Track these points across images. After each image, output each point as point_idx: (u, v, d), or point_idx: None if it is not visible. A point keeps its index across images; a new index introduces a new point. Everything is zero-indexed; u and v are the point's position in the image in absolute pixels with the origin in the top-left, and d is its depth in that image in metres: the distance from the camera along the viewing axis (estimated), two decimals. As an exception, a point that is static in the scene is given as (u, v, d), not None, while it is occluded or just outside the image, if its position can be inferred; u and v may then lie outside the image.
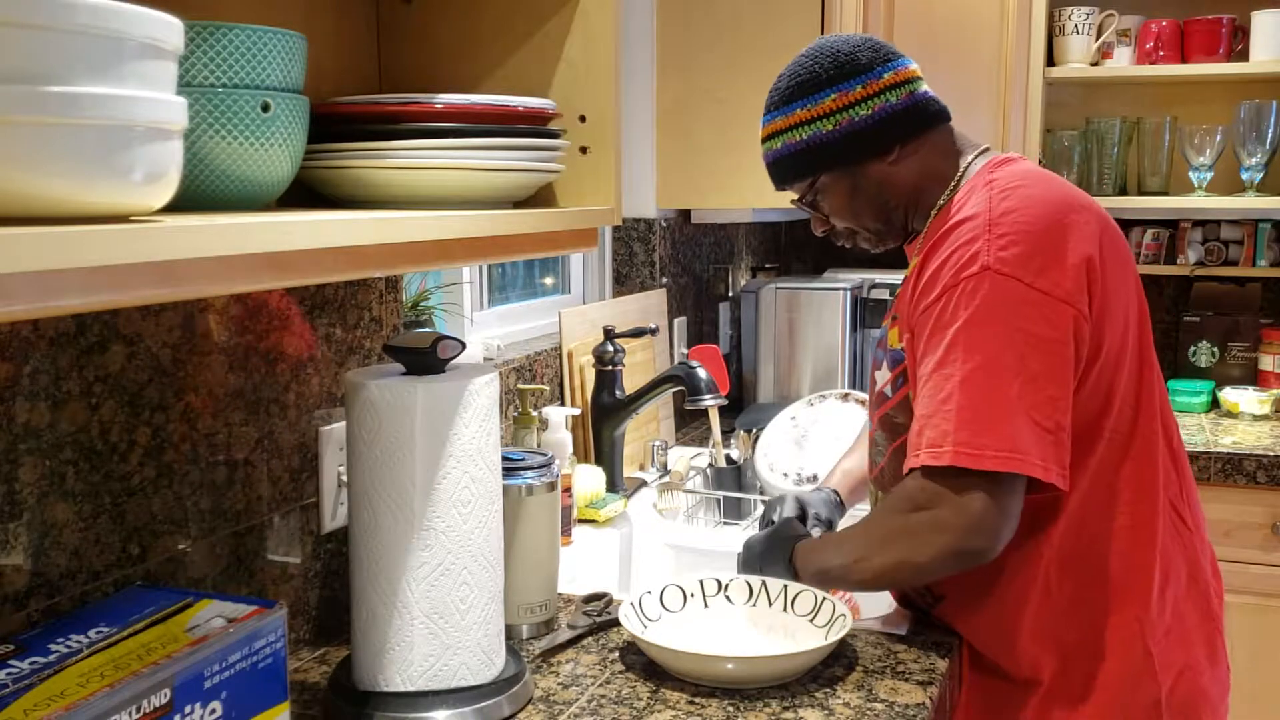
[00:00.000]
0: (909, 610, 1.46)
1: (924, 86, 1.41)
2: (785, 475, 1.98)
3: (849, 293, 2.60)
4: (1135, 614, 1.32)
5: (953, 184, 1.39)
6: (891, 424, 1.39)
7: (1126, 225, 2.96)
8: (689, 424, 2.65)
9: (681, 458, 2.17)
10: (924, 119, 1.39)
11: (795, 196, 1.47)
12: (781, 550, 1.42)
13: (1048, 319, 1.23)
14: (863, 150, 1.38)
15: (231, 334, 1.22)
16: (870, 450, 1.47)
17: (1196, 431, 2.57)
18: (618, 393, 1.98)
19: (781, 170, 1.45)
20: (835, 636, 1.25)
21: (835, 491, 1.62)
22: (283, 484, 1.31)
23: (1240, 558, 2.40)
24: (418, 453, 1.11)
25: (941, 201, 1.39)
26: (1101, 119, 3.00)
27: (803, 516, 1.55)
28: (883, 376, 1.41)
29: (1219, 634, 1.42)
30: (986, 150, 1.42)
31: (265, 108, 0.95)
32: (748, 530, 1.97)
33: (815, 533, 1.51)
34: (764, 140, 1.45)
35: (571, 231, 1.26)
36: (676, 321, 2.59)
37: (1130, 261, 1.37)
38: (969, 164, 1.40)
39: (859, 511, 1.58)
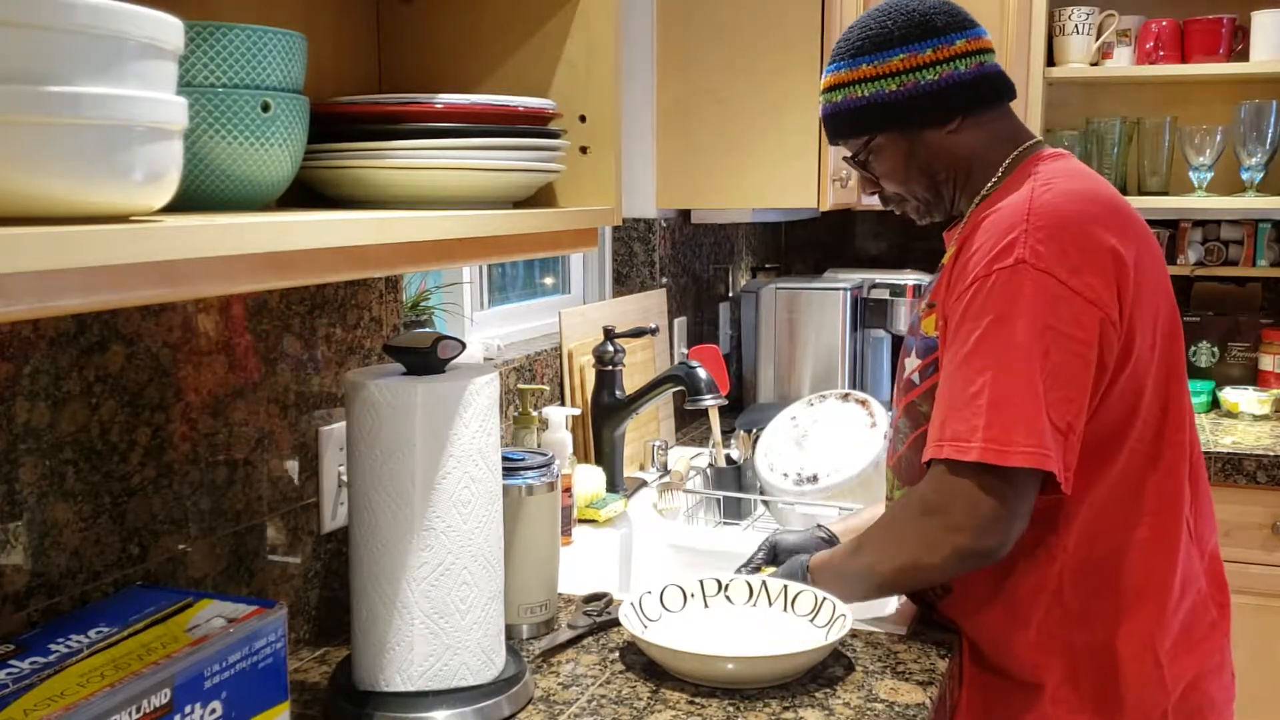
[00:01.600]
0: (915, 603, 1.45)
1: (993, 60, 1.39)
2: (785, 475, 1.98)
3: (849, 293, 2.60)
4: (1148, 625, 1.31)
5: (1001, 171, 1.37)
6: (916, 412, 1.38)
7: (1126, 225, 2.96)
8: (689, 424, 2.65)
9: (681, 458, 2.17)
10: (989, 93, 1.37)
11: (848, 154, 1.45)
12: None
13: (1077, 319, 1.21)
14: (924, 115, 1.36)
15: (231, 334, 1.22)
16: (892, 436, 1.47)
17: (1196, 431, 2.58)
18: (618, 393, 1.98)
19: (838, 124, 1.42)
20: (835, 636, 1.25)
21: (828, 533, 1.56)
22: (283, 484, 1.31)
23: (1240, 558, 2.40)
24: (418, 453, 1.11)
25: (986, 191, 1.37)
26: (1101, 119, 3.00)
27: (773, 559, 1.53)
28: (911, 363, 1.39)
29: (1225, 642, 1.42)
30: (1039, 143, 1.40)
31: (265, 108, 0.95)
32: (748, 530, 1.97)
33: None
34: (824, 91, 1.42)
35: (571, 231, 1.26)
36: (676, 321, 2.59)
37: (1163, 268, 1.35)
38: (1019, 153, 1.37)
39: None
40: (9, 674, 0.82)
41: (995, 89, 1.38)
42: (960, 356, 1.24)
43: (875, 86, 1.36)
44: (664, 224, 2.51)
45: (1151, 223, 3.00)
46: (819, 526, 1.59)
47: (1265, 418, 2.73)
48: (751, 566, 1.52)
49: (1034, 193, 1.27)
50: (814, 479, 1.94)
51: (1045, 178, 1.30)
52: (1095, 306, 1.22)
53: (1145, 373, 1.29)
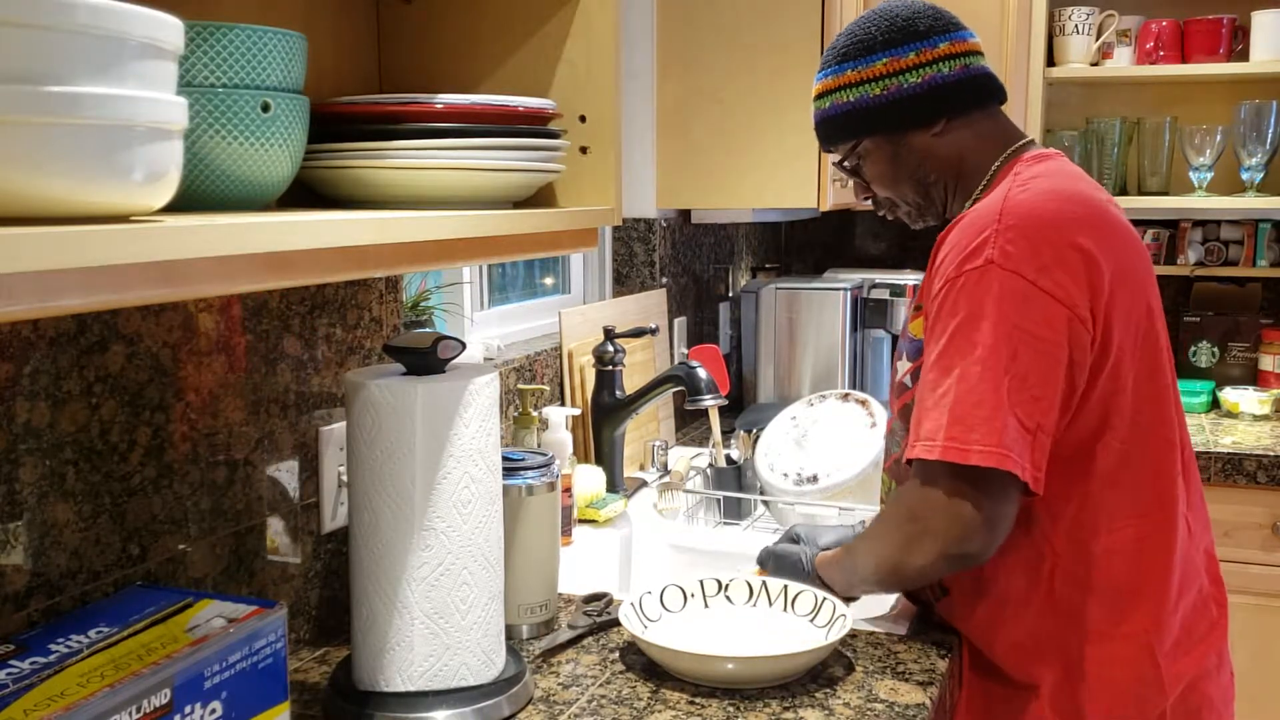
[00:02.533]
0: (914, 603, 1.45)
1: (981, 62, 1.39)
2: (785, 475, 1.98)
3: (849, 293, 2.60)
4: (1145, 625, 1.31)
5: (990, 174, 1.37)
6: (910, 414, 1.38)
7: (1126, 225, 2.96)
8: (689, 424, 2.65)
9: (681, 458, 2.17)
10: (975, 95, 1.38)
11: (838, 159, 1.47)
12: (798, 573, 1.42)
13: (1046, 319, 1.22)
14: (907, 119, 1.37)
15: (232, 334, 1.22)
16: (887, 440, 1.47)
17: (1196, 431, 2.57)
18: (618, 393, 1.98)
19: (826, 130, 1.44)
20: (835, 636, 1.25)
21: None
22: (283, 484, 1.31)
23: (1240, 558, 2.40)
24: (418, 453, 1.11)
25: (976, 194, 1.37)
26: (1101, 119, 3.00)
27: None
28: (903, 367, 1.40)
29: (1224, 641, 1.42)
30: (1029, 143, 1.40)
31: (265, 108, 0.95)
32: (747, 530, 1.97)
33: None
34: (814, 99, 1.44)
35: (571, 231, 1.26)
36: (676, 321, 2.59)
37: (1148, 267, 1.36)
38: (1007, 155, 1.38)
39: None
40: (9, 674, 0.82)
41: (981, 91, 1.39)
42: (932, 357, 1.25)
43: (860, 91, 1.38)
44: (664, 224, 2.51)
45: (1151, 223, 3.00)
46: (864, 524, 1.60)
47: (1265, 418, 2.73)
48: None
49: (1009, 193, 1.28)
50: (814, 479, 1.94)
51: (1024, 178, 1.31)
52: (1064, 306, 1.22)
53: (1126, 372, 1.29)
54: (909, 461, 1.26)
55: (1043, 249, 1.23)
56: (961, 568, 1.27)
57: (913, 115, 1.37)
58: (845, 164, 1.45)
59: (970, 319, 1.22)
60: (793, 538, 1.52)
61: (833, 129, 1.43)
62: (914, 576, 1.30)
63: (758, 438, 2.10)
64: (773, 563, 1.48)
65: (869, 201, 1.50)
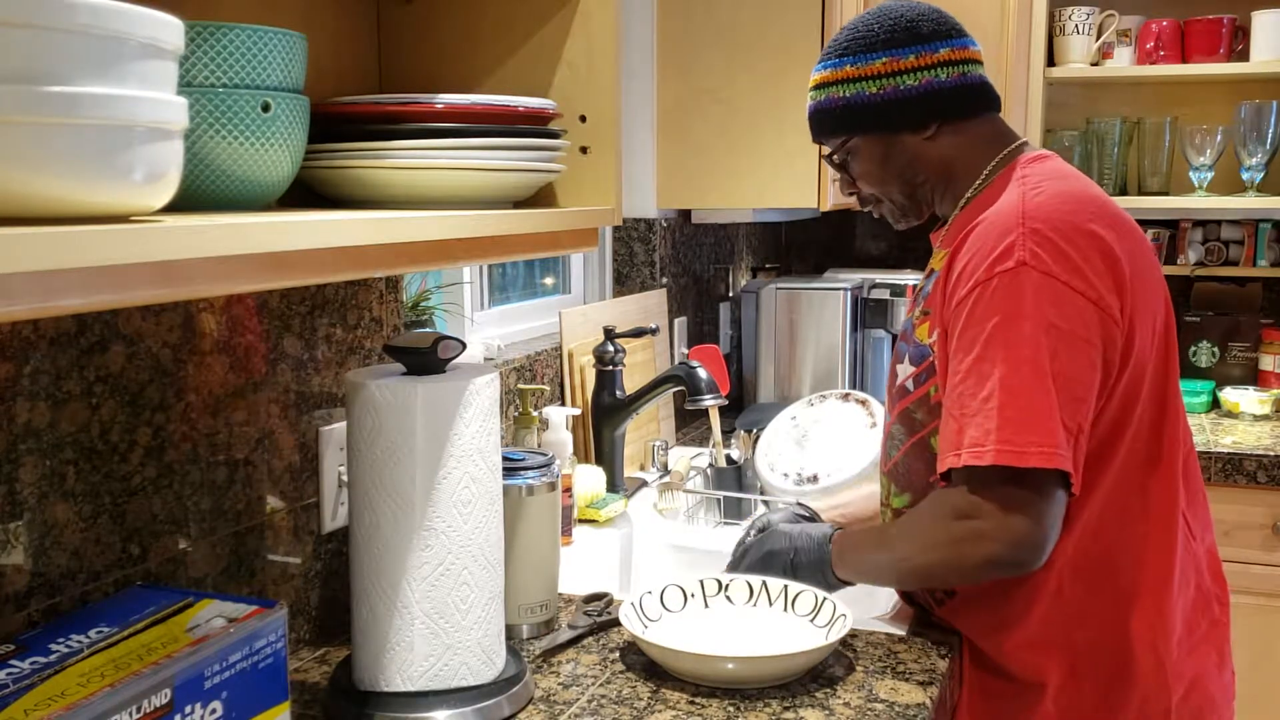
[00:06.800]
0: (913, 606, 1.45)
1: (979, 71, 1.39)
2: (785, 475, 1.98)
3: (849, 293, 2.60)
4: (1149, 622, 1.31)
5: (985, 175, 1.37)
6: (910, 419, 1.38)
7: (1127, 225, 2.97)
8: (689, 424, 2.65)
9: (682, 458, 2.17)
10: (969, 103, 1.38)
11: (827, 152, 1.48)
12: (818, 547, 1.40)
13: (1082, 318, 1.21)
14: (900, 120, 1.37)
15: (232, 334, 1.22)
16: (885, 442, 1.46)
17: (1197, 431, 2.57)
18: (618, 393, 1.98)
19: (819, 123, 1.45)
20: (835, 636, 1.25)
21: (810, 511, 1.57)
22: (283, 484, 1.31)
23: (1240, 558, 2.40)
24: (418, 453, 1.11)
25: (971, 194, 1.37)
26: (1102, 119, 3.00)
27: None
28: (904, 370, 1.39)
29: (1226, 640, 1.42)
30: (1024, 145, 1.40)
31: (265, 108, 0.95)
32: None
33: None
34: (810, 90, 1.45)
35: (572, 231, 1.26)
36: (676, 321, 2.59)
37: (1156, 265, 1.36)
38: (1003, 156, 1.38)
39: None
40: (9, 674, 0.82)
41: (975, 100, 1.39)
42: (969, 362, 1.23)
43: (856, 88, 1.38)
44: (664, 224, 2.51)
45: (1151, 223, 3.00)
46: (799, 504, 1.59)
47: (1265, 418, 2.73)
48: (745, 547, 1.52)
49: (1025, 196, 1.28)
50: (814, 479, 1.94)
51: (1034, 181, 1.30)
52: (1097, 306, 1.22)
53: (1144, 371, 1.29)
54: (946, 473, 1.24)
55: (1071, 250, 1.23)
56: (1010, 575, 1.26)
57: (906, 117, 1.37)
58: (834, 158, 1.46)
59: (1008, 320, 1.21)
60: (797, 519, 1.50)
61: (826, 122, 1.43)
62: (956, 579, 1.30)
63: (758, 438, 2.10)
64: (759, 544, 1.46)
65: (853, 197, 1.50)
